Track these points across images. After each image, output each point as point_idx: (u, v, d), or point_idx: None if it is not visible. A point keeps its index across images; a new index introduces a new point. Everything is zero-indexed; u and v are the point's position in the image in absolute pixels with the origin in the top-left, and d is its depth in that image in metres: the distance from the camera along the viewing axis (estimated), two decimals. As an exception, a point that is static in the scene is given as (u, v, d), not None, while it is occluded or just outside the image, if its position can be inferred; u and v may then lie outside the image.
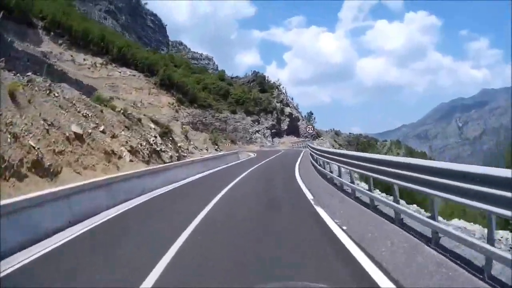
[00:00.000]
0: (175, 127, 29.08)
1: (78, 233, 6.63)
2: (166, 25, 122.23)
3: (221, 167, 20.78)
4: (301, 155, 27.64)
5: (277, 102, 67.71)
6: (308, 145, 26.44)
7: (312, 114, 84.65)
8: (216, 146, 34.72)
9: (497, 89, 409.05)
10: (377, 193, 8.43)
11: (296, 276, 3.97)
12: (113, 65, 44.01)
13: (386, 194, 9.15)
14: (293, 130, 68.02)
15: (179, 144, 22.96)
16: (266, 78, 74.55)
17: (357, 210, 7.45)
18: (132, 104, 37.60)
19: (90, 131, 13.90)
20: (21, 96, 11.94)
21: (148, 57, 49.06)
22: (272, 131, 63.06)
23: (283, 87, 76.13)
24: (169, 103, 44.29)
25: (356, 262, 4.33)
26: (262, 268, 4.30)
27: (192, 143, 28.14)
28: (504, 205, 3.24)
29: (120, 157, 14.36)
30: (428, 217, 4.83)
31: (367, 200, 7.76)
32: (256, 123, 60.75)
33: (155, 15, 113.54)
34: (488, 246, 3.51)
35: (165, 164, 15.29)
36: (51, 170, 11.10)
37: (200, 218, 7.28)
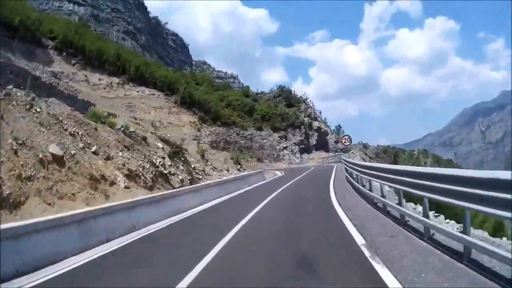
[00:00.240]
0: (190, 146, 26.36)
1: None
2: (188, 44, 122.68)
3: (242, 190, 17.90)
4: (334, 172, 24.17)
5: (304, 116, 64.43)
6: (343, 159, 22.95)
7: (341, 127, 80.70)
8: (239, 166, 31.77)
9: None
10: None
11: None
12: (131, 84, 42.56)
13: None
14: (322, 144, 64.42)
15: (193, 165, 20.03)
16: (293, 92, 71.62)
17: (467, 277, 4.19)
18: (151, 124, 36.03)
19: (73, 152, 11.33)
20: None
21: (168, 75, 47.34)
22: (301, 147, 59.71)
23: (310, 101, 72.98)
24: (190, 121, 42.12)
25: None
26: None
27: (209, 163, 25.16)
28: None
29: (112, 183, 11.68)
30: None
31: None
32: (284, 139, 57.64)
33: (176, 35, 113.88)
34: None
35: (171, 191, 12.47)
36: (11, 200, 8.55)
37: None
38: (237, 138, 47.98)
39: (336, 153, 55.62)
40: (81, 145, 12.36)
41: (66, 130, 12.61)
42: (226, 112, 51.00)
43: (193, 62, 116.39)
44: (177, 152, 17.73)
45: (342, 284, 4.27)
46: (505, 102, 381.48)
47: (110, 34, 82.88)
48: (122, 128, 14.89)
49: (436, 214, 8.60)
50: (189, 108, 44.13)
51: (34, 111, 11.99)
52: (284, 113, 60.18)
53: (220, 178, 20.44)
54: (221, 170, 25.48)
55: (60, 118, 12.97)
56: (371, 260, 4.99)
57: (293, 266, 5.15)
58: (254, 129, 52.94)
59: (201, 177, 19.70)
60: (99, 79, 39.63)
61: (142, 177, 13.27)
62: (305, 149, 61.11)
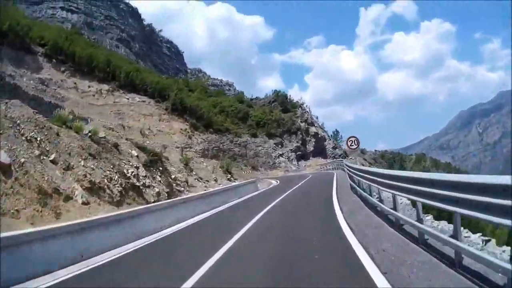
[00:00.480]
0: (173, 154, 24.56)
1: None
2: (183, 52, 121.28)
3: (231, 203, 16.10)
4: (334, 180, 22.05)
5: (301, 121, 62.76)
6: (346, 165, 20.93)
7: (339, 132, 79.19)
8: (229, 175, 29.77)
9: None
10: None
11: None
12: (121, 91, 41.17)
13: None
14: (320, 151, 62.76)
15: (173, 176, 18.27)
16: (288, 97, 70.03)
17: None
18: (140, 132, 34.53)
19: (23, 160, 9.73)
20: None
21: (159, 81, 45.83)
22: (297, 153, 58.01)
23: (306, 106, 71.40)
24: (181, 129, 40.57)
25: None
26: None
27: (194, 173, 23.26)
28: None
29: (68, 198, 10.04)
30: None
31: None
32: (279, 146, 55.97)
33: (171, 42, 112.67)
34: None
35: (137, 208, 10.52)
36: None
37: None
38: (231, 145, 46.31)
39: (335, 159, 53.99)
40: (37, 152, 10.76)
41: (22, 135, 11.04)
42: (219, 118, 49.38)
43: (188, 70, 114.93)
44: (154, 161, 16.00)
45: None
46: (502, 103, 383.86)
47: (103, 41, 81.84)
48: (89, 134, 13.25)
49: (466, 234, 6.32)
50: (180, 115, 42.60)
51: (-14, 115, 10.47)
52: (280, 118, 58.53)
53: (206, 190, 18.69)
54: (207, 181, 23.71)
55: (18, 122, 11.40)
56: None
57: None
58: (248, 136, 51.24)
59: (182, 189, 17.95)
60: (89, 86, 38.41)
61: (108, 191, 11.59)
62: (302, 156, 59.47)
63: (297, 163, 56.67)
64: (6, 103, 12.38)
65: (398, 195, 7.23)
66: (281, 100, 66.80)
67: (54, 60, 36.25)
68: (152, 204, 11.62)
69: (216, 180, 24.61)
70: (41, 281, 5.87)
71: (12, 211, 8.51)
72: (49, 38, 36.35)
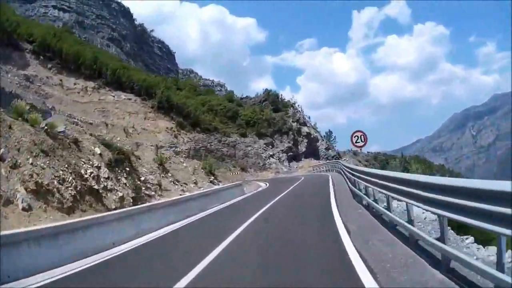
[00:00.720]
0: (147, 153, 22.95)
1: None
2: (175, 52, 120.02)
3: (210, 210, 14.05)
4: (331, 184, 19.87)
5: (293, 121, 61.63)
6: (345, 166, 19.08)
7: (332, 133, 78.33)
8: (212, 177, 27.65)
9: (508, 93, 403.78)
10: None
11: None
12: (107, 89, 40.14)
13: None
14: (312, 151, 61.74)
15: (143, 178, 16.72)
16: (280, 96, 68.94)
17: None
18: (124, 130, 33.44)
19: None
20: None
21: (146, 79, 44.69)
22: (289, 154, 56.85)
23: (298, 105, 70.30)
24: (167, 127, 39.45)
25: None
26: None
27: (170, 174, 21.59)
28: None
29: (9, 202, 8.89)
30: None
31: None
32: (270, 146, 54.81)
33: (162, 42, 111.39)
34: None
35: (86, 218, 8.74)
36: None
37: None
38: (219, 145, 45.18)
39: (328, 160, 52.84)
40: (-21, 148, 9.65)
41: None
42: (207, 117, 48.13)
43: (180, 70, 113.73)
44: (120, 160, 14.56)
45: None
46: (496, 106, 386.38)
47: (94, 40, 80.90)
48: (45, 127, 12.11)
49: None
50: (166, 113, 41.49)
51: None
52: (271, 118, 57.30)
53: (182, 195, 16.73)
54: (185, 184, 21.90)
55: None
56: None
57: None
58: (237, 136, 50.03)
59: (153, 193, 16.29)
60: (74, 83, 37.66)
61: (57, 195, 10.29)
62: (294, 157, 58.36)
63: (289, 164, 55.59)
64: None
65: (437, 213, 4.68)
66: (272, 99, 65.64)
67: (41, 57, 35.71)
68: (105, 214, 9.72)
69: (196, 183, 22.74)
70: None
71: None
72: (38, 35, 35.96)
